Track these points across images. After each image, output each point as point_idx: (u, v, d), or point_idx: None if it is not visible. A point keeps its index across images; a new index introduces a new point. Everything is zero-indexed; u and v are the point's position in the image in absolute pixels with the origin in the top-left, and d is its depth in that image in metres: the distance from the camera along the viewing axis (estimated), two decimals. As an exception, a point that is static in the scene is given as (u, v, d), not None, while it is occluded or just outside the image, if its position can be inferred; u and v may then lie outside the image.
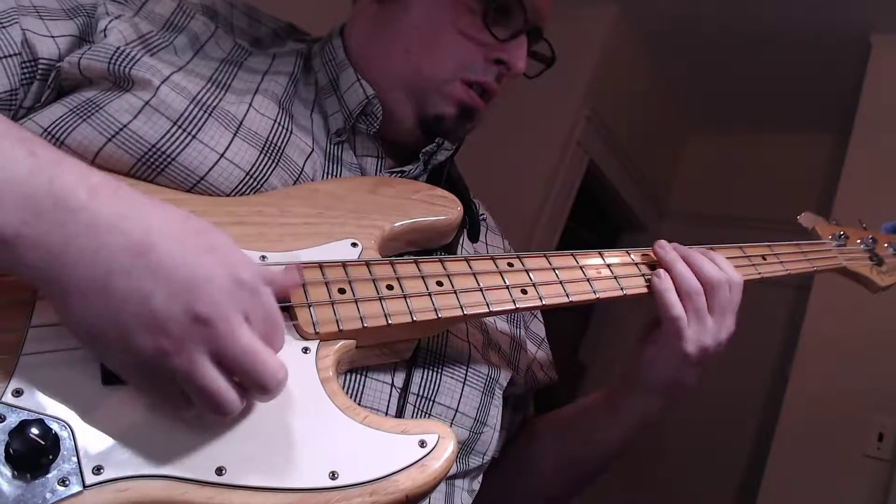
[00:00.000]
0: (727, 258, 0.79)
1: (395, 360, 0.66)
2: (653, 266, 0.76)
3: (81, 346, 0.45)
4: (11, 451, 0.41)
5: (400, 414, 0.65)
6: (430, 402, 0.68)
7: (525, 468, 0.86)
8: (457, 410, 0.69)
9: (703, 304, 0.71)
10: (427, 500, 0.53)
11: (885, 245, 1.00)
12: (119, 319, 0.41)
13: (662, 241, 0.75)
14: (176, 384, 0.44)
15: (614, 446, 0.82)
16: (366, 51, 0.78)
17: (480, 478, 0.78)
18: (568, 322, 3.45)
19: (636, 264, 0.75)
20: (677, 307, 0.71)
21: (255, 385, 0.45)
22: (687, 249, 0.75)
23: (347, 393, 0.61)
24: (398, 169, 0.77)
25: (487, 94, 0.77)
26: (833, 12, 2.52)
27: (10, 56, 0.60)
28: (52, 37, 0.62)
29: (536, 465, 0.86)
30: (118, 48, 0.62)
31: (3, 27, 0.60)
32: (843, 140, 2.58)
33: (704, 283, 0.72)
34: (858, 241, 0.98)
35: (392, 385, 0.66)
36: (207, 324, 0.42)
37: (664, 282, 0.72)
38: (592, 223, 3.42)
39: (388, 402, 0.65)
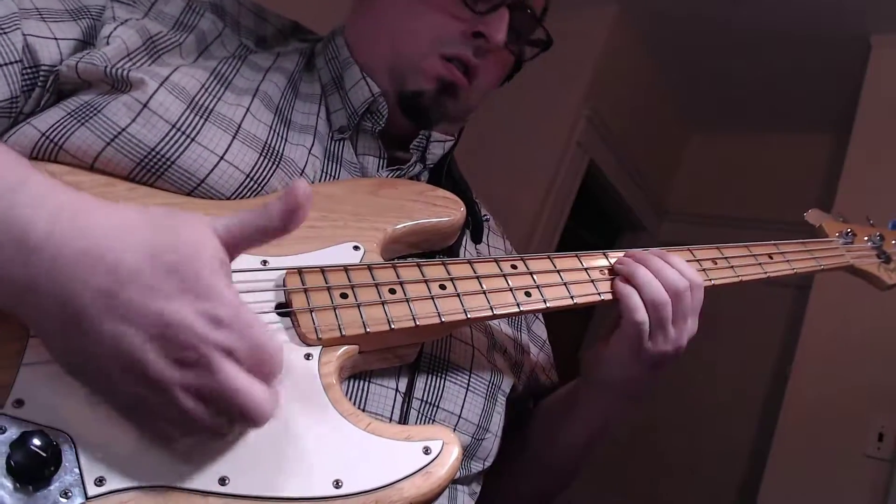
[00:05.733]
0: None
1: (399, 365, 0.65)
2: None
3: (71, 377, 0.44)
4: (13, 462, 0.40)
5: (404, 419, 0.64)
6: (434, 408, 0.67)
7: (504, 468, 0.84)
8: (460, 416, 0.69)
9: (667, 315, 0.69)
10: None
11: (893, 242, 0.99)
12: (98, 361, 0.41)
13: (622, 258, 0.73)
14: (167, 418, 0.44)
15: (577, 444, 0.81)
16: (357, 42, 0.78)
17: (481, 479, 0.78)
18: (569, 321, 3.45)
19: None
20: (641, 311, 0.69)
21: (241, 420, 0.45)
22: (646, 255, 0.72)
23: (351, 399, 0.61)
24: (396, 167, 0.77)
25: (470, 71, 0.75)
26: (833, 12, 2.52)
27: (11, 63, 0.58)
28: (55, 38, 0.61)
29: (514, 465, 0.85)
30: (117, 60, 0.62)
31: (5, 33, 0.59)
32: (843, 140, 2.57)
33: (669, 292, 0.70)
34: (866, 238, 0.97)
35: (396, 390, 0.65)
36: (185, 367, 0.41)
37: (627, 287, 0.70)
38: (592, 223, 3.42)
39: (393, 407, 0.64)
